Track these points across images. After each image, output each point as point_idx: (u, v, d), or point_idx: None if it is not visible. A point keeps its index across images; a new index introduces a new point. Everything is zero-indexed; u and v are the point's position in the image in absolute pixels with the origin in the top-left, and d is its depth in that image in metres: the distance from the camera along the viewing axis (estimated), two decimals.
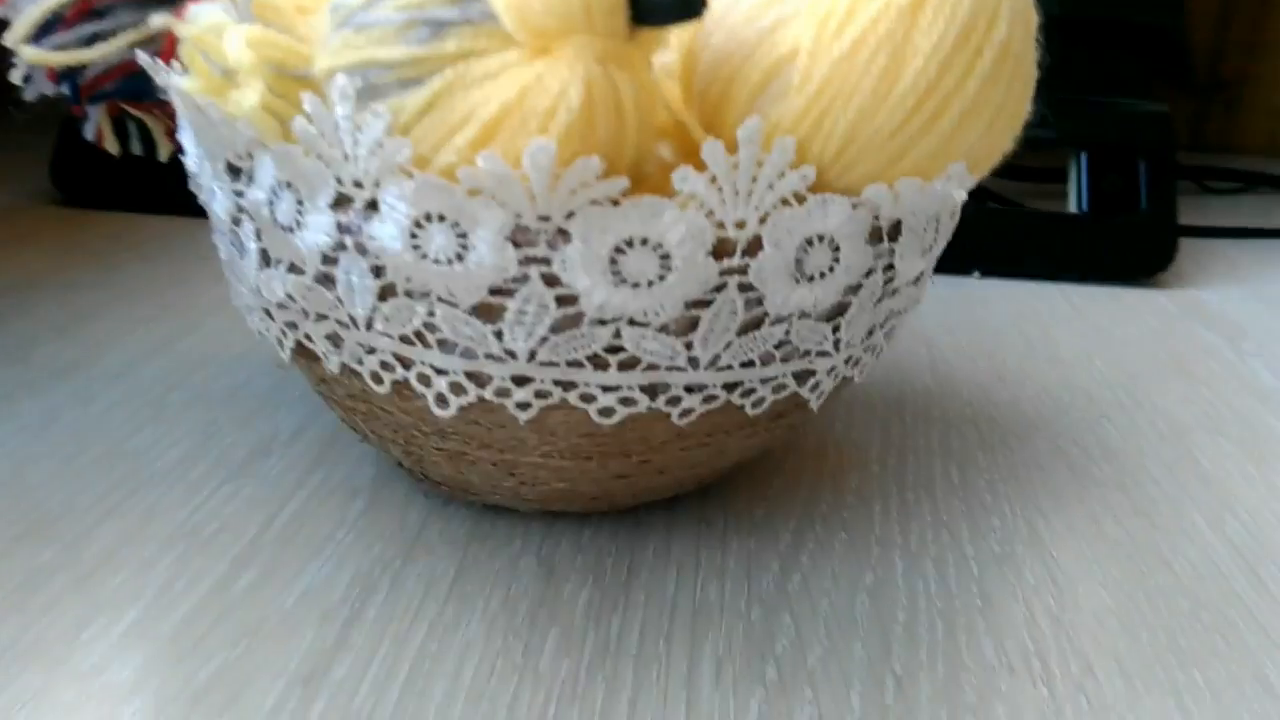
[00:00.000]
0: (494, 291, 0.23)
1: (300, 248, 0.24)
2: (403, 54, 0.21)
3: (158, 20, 0.29)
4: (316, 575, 0.29)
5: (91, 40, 0.29)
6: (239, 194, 0.25)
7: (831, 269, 0.24)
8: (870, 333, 0.27)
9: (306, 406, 0.38)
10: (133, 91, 0.30)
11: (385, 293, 0.23)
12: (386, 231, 0.22)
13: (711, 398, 0.25)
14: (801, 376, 0.26)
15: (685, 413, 0.25)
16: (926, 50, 0.21)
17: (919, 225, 0.25)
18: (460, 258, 0.22)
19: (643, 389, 0.24)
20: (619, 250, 0.22)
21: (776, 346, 0.25)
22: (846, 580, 0.30)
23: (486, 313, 0.23)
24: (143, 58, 0.28)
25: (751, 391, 0.26)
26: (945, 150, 0.23)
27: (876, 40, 0.21)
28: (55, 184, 0.60)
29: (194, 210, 0.62)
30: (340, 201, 0.23)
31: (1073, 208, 0.61)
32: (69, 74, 0.29)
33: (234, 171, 0.25)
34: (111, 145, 0.33)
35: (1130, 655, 0.28)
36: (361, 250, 0.23)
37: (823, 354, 0.26)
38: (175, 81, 0.24)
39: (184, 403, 0.38)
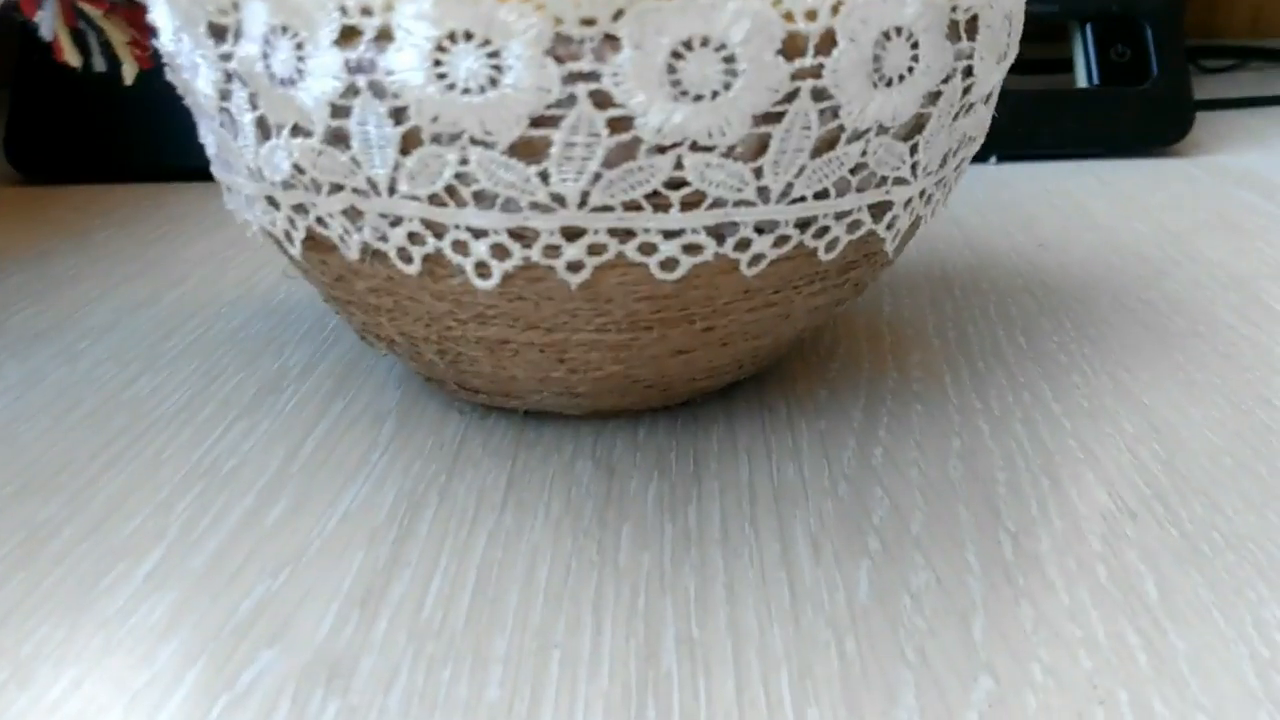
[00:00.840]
0: (535, 123, 0.20)
1: (305, 101, 0.20)
2: None
3: None
4: (355, 499, 0.26)
5: None
6: (226, 58, 0.22)
7: (910, 70, 0.21)
8: (944, 161, 0.24)
9: (313, 342, 0.35)
10: None
11: (408, 143, 0.20)
12: (404, 61, 0.19)
13: (783, 239, 0.22)
14: (877, 211, 0.23)
15: (755, 259, 0.22)
16: None
17: (996, 21, 0.23)
18: (494, 83, 0.19)
19: (709, 231, 0.21)
20: (676, 55, 0.19)
21: (852, 171, 0.22)
22: (933, 449, 0.28)
23: (528, 150, 0.20)
24: None
25: (825, 230, 0.23)
26: None
27: None
28: (11, 162, 0.56)
29: (159, 175, 0.59)
30: (347, 35, 0.20)
31: (1082, 82, 0.59)
32: None
33: (218, 33, 0.22)
34: (72, 57, 0.29)
35: (1256, 490, 0.25)
36: (378, 91, 0.20)
37: (900, 181, 0.23)
38: None
39: (179, 351, 0.35)
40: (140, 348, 0.35)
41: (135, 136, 0.57)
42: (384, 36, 0.19)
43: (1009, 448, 0.27)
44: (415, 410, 0.30)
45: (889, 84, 0.21)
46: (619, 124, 0.20)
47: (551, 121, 0.19)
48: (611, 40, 0.19)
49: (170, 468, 0.27)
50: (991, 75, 0.24)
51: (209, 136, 0.25)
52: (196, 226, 0.49)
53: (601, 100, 0.19)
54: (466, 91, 0.19)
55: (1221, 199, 0.49)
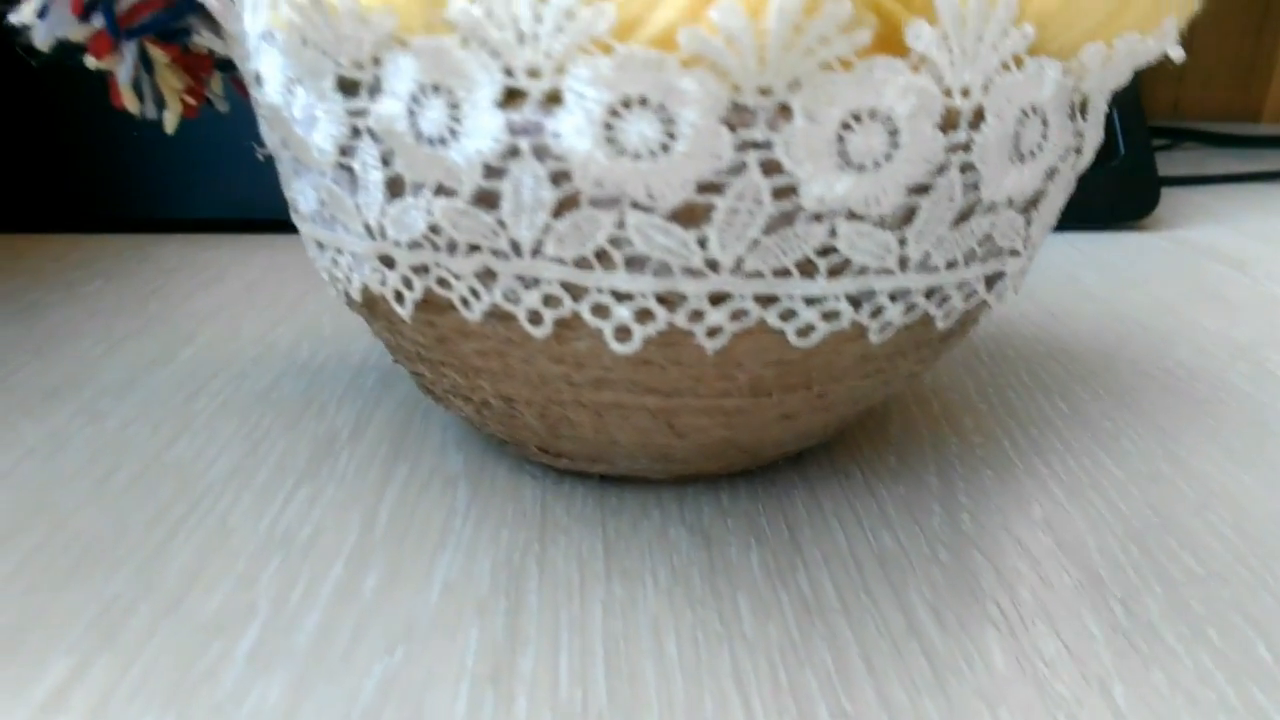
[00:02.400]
0: (701, 188, 0.19)
1: (457, 162, 0.20)
2: None
3: None
4: (451, 569, 0.25)
5: None
6: (357, 113, 0.21)
7: (1041, 147, 0.22)
8: (1043, 230, 0.25)
9: (354, 403, 0.34)
10: (168, 24, 0.26)
11: (564, 206, 0.20)
12: (573, 125, 0.19)
13: (911, 306, 0.23)
14: (990, 281, 0.24)
15: (884, 326, 0.23)
16: None
17: (1100, 105, 0.24)
18: (665, 149, 0.19)
19: (849, 298, 0.22)
20: (845, 126, 0.19)
21: (979, 243, 0.23)
22: (1016, 515, 0.28)
23: (689, 216, 0.20)
24: None
25: (947, 299, 0.23)
26: (1159, 4, 0.21)
27: None
28: None
29: (138, 225, 0.57)
30: (511, 97, 0.19)
31: None
32: (104, 2, 0.24)
33: (348, 88, 0.21)
34: (131, 103, 0.28)
35: None
36: (540, 154, 0.19)
37: (1014, 253, 0.24)
38: None
39: (212, 412, 0.33)
40: (168, 408, 0.33)
41: (109, 186, 0.54)
42: (552, 99, 0.19)
43: (1089, 514, 0.28)
44: (485, 474, 0.29)
45: (1023, 159, 0.22)
46: (782, 192, 0.20)
47: (717, 188, 0.19)
48: (785, 110, 0.19)
49: (240, 537, 0.26)
50: (1088, 155, 0.25)
51: (308, 191, 0.24)
52: (192, 280, 0.47)
53: (770, 168, 0.19)
54: (636, 157, 0.19)
55: (1199, 271, 0.52)
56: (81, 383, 0.35)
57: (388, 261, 0.23)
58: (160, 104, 0.30)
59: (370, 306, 0.25)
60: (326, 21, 0.20)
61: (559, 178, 0.20)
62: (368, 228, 0.22)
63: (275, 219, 0.54)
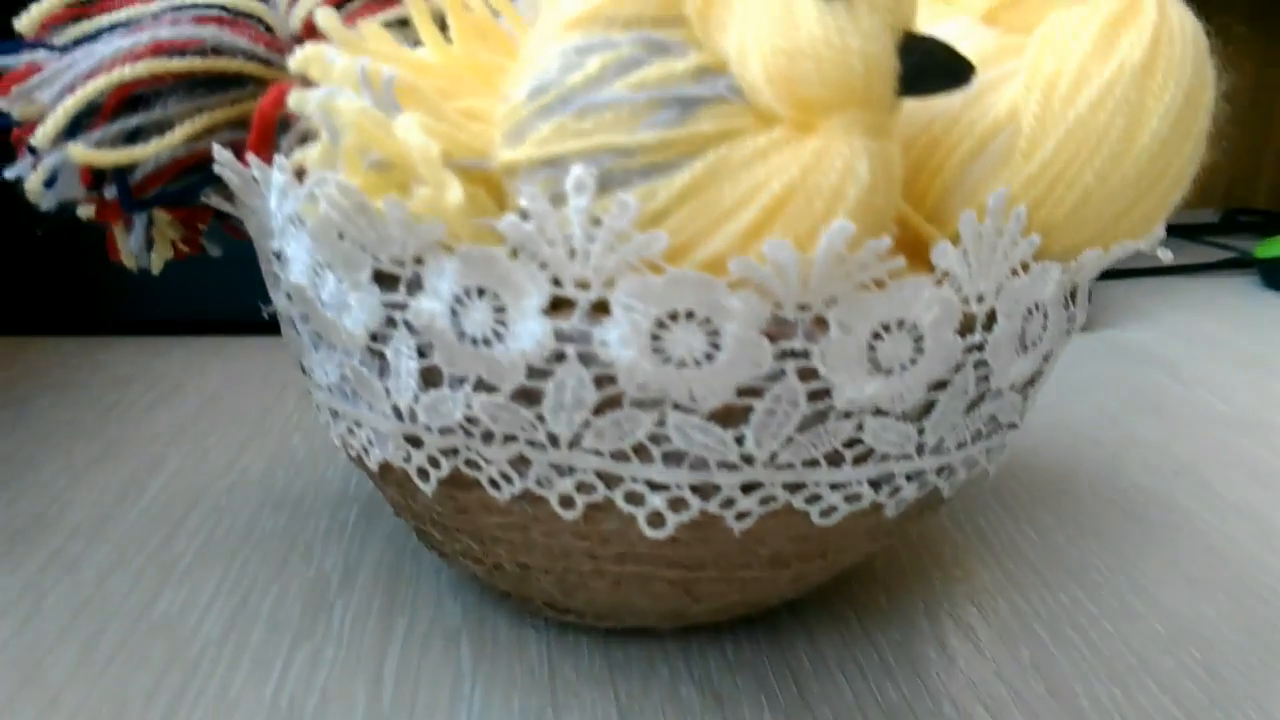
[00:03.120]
0: (742, 392, 0.20)
1: (500, 362, 0.20)
2: (653, 137, 0.19)
3: (225, 112, 0.25)
4: None
5: (135, 135, 0.24)
6: (395, 306, 0.21)
7: (1040, 339, 0.23)
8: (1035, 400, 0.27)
9: (338, 542, 0.33)
10: (181, 196, 0.26)
11: (606, 405, 0.20)
12: (619, 335, 0.19)
13: (925, 484, 0.24)
14: (992, 452, 0.25)
15: (900, 502, 0.24)
16: (1160, 112, 0.21)
17: (1085, 300, 0.25)
18: (709, 358, 0.20)
19: (870, 482, 0.23)
20: (876, 335, 0.20)
21: (985, 423, 0.24)
22: (1006, 659, 0.29)
23: (727, 416, 0.21)
24: (221, 153, 0.24)
25: (954, 472, 0.24)
26: (1157, 211, 0.23)
27: (1114, 104, 0.20)
28: None
29: (86, 328, 0.55)
30: (558, 305, 0.20)
31: None
32: (118, 175, 0.24)
33: (386, 281, 0.21)
34: (130, 262, 0.28)
35: None
36: (586, 360, 0.20)
37: (1013, 425, 0.25)
38: (336, 180, 0.20)
39: (193, 557, 0.32)
40: (144, 553, 0.32)
41: (55, 287, 0.53)
42: (599, 309, 0.20)
43: (1073, 656, 0.29)
44: (485, 627, 0.29)
45: (1026, 350, 0.23)
46: (817, 394, 0.21)
47: (756, 392, 0.20)
48: (821, 321, 0.20)
49: (247, 709, 0.25)
50: (1076, 331, 0.26)
51: (329, 365, 0.24)
52: (150, 393, 0.46)
53: (806, 374, 0.20)
54: (681, 364, 0.20)
55: (1134, 376, 0.55)
56: (49, 522, 0.34)
57: (414, 441, 0.23)
58: (149, 246, 0.29)
59: (384, 475, 0.25)
60: (371, 223, 0.20)
61: (603, 380, 0.20)
62: (396, 410, 0.23)
63: (230, 320, 0.53)
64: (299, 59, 0.21)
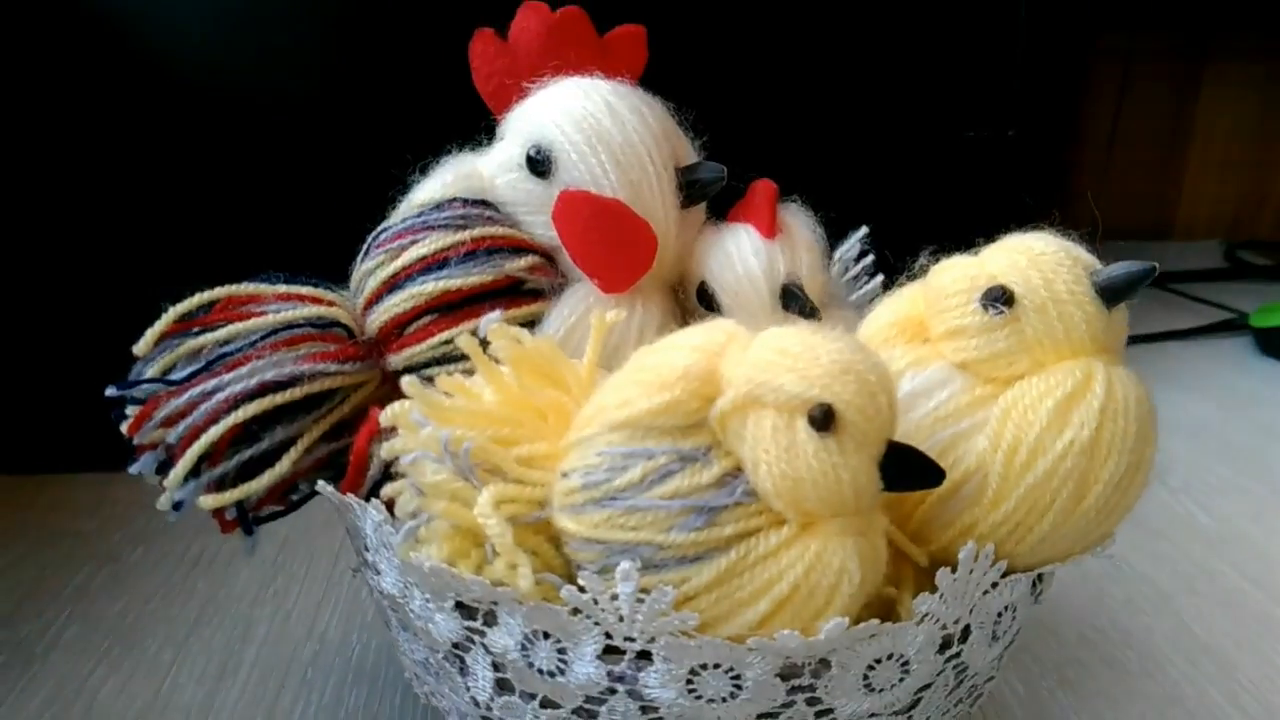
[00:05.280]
0: (760, 716, 0.25)
1: (563, 688, 0.25)
2: (684, 540, 0.23)
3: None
4: None
5: (248, 465, 0.29)
6: (475, 632, 0.26)
7: (1009, 628, 0.28)
8: None
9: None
10: (290, 508, 0.31)
11: None
12: (659, 679, 0.24)
13: None
14: (974, 702, 0.30)
15: None
16: (1105, 478, 0.25)
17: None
18: (734, 695, 0.24)
19: None
20: (870, 667, 0.25)
21: (965, 694, 0.29)
22: None
23: None
24: (324, 487, 0.28)
25: None
26: (1104, 533, 0.27)
27: (1065, 472, 0.25)
28: None
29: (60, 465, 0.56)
30: (610, 650, 0.25)
31: None
32: (238, 505, 0.29)
33: (467, 611, 0.26)
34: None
35: None
36: (633, 694, 0.25)
37: (990, 679, 0.30)
38: (422, 558, 0.25)
39: None
40: None
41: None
42: (644, 657, 0.24)
43: None
44: None
45: (997, 640, 0.28)
46: (822, 714, 0.25)
47: (773, 716, 0.25)
48: (824, 663, 0.25)
49: None
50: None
51: (416, 648, 0.29)
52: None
53: (813, 701, 0.25)
54: (711, 701, 0.24)
55: None
56: (163, 706, 0.39)
57: None
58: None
59: None
60: (452, 579, 0.25)
61: (648, 709, 0.25)
62: (475, 701, 0.28)
63: None
64: (388, 415, 0.26)
